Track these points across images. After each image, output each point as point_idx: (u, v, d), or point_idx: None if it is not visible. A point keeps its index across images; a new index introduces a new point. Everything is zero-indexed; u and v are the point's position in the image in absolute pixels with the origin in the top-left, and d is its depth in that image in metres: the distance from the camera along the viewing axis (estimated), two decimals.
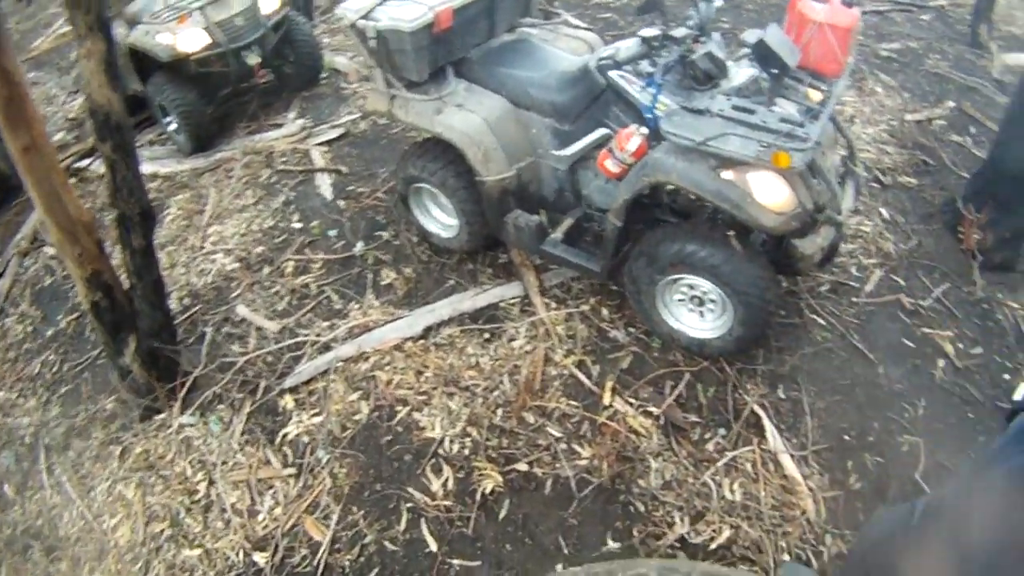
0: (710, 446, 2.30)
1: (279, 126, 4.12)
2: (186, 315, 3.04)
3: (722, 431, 2.34)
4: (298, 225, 3.41)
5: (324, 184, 3.64)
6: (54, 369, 3.15)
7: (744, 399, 2.41)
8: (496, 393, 2.52)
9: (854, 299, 2.76)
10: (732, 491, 2.17)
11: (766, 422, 2.33)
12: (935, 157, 3.48)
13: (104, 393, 2.92)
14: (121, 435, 2.71)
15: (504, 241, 2.83)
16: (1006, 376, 2.51)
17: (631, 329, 2.67)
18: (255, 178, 3.78)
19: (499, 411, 2.46)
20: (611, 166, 2.30)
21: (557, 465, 2.28)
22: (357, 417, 2.51)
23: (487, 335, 2.73)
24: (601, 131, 2.43)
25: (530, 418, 2.42)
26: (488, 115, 2.51)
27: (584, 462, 2.28)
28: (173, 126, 3.95)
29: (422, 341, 2.72)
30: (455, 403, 2.50)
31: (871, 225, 3.09)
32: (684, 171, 2.05)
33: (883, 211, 3.17)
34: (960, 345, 2.60)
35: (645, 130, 2.25)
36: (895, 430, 2.32)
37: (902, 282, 2.83)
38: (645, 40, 2.21)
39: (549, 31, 2.92)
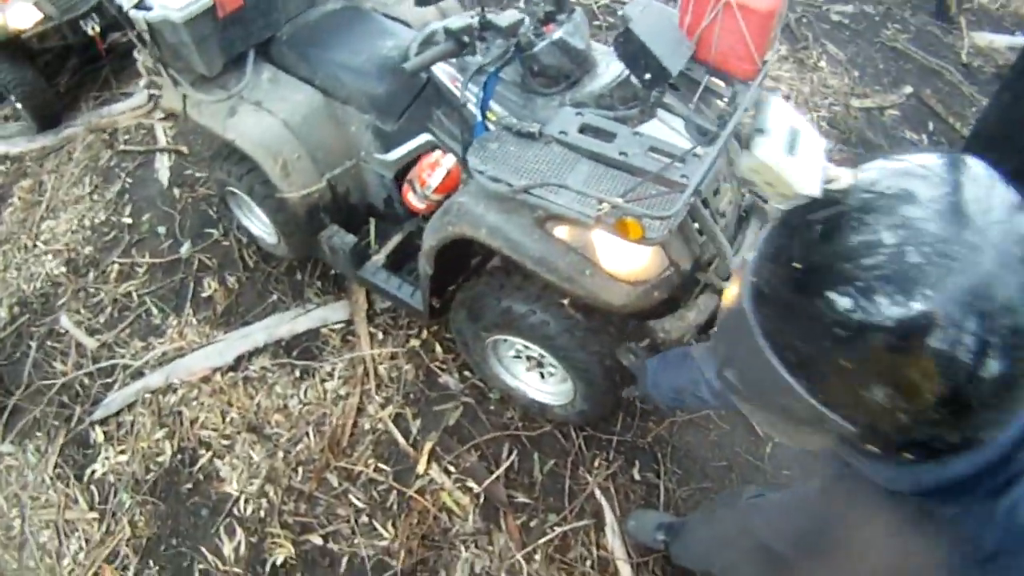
0: (536, 536, 1.93)
1: (130, 95, 3.59)
2: (14, 327, 2.66)
3: (553, 517, 1.97)
4: (128, 220, 2.96)
5: (163, 167, 3.15)
6: None
7: (586, 478, 2.03)
8: (300, 447, 2.16)
9: None
10: None
11: (607, 513, 1.95)
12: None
13: None
14: None
15: (322, 260, 2.39)
16: None
17: (466, 374, 2.26)
18: (95, 161, 3.26)
19: (300, 469, 2.11)
20: (414, 201, 1.85)
21: (355, 541, 1.96)
22: (161, 459, 2.21)
23: (299, 371, 2.35)
24: (425, 137, 1.96)
25: (333, 481, 2.08)
26: (291, 115, 2.00)
27: (385, 543, 1.94)
28: (19, 105, 3.48)
29: (232, 373, 2.35)
30: (257, 454, 2.16)
31: None
32: (496, 226, 1.48)
33: None
34: None
35: (452, 159, 1.78)
36: None
37: None
38: (451, 34, 1.61)
39: None
